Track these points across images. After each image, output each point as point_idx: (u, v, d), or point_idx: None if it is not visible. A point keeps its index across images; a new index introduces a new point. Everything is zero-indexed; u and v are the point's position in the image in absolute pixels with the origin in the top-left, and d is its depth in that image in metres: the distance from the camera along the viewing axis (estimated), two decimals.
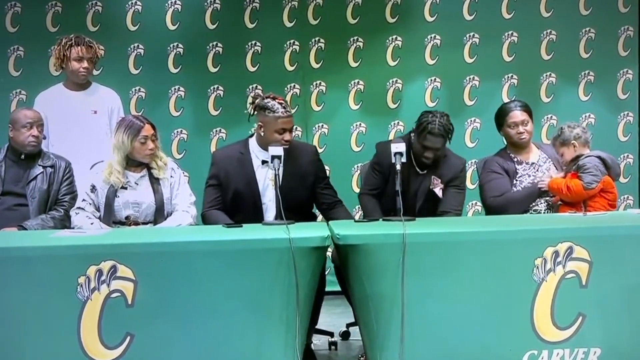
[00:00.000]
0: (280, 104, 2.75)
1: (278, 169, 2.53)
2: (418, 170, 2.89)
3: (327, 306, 2.77)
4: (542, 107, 4.06)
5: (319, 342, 2.81)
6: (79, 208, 2.72)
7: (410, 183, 2.86)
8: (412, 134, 2.89)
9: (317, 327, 2.85)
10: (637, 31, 4.10)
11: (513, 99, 3.57)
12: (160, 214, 2.71)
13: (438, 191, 2.85)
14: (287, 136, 2.74)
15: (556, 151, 2.95)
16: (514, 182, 2.97)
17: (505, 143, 3.11)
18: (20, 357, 2.15)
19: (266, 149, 2.70)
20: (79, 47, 3.15)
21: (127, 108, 3.66)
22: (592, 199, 2.84)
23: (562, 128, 2.92)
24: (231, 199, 2.79)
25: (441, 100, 4.07)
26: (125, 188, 2.71)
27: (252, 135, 2.88)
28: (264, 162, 2.76)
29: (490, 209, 2.97)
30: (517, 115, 2.97)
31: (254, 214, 2.73)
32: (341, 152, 4.01)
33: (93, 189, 2.72)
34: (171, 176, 2.77)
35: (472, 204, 3.38)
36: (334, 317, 3.10)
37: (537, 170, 3.00)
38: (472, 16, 4.08)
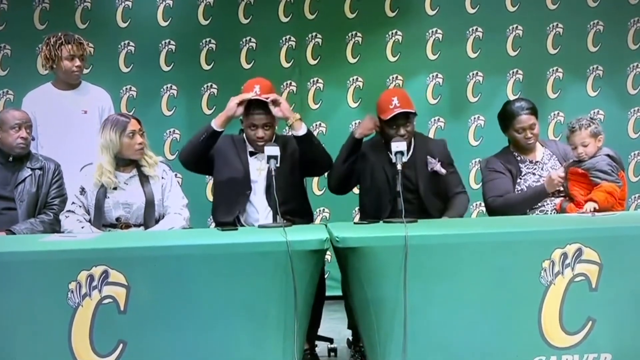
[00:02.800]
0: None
1: (275, 169, 2.50)
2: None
3: (326, 311, 2.73)
4: (548, 103, 3.98)
5: (317, 349, 2.75)
6: (68, 211, 2.67)
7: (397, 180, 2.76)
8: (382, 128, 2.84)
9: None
10: None
11: (518, 97, 3.49)
12: (150, 212, 2.65)
13: (439, 168, 2.81)
14: (259, 133, 2.74)
15: (576, 141, 2.78)
16: (518, 180, 2.91)
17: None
18: None
19: (252, 144, 2.78)
20: (70, 45, 3.06)
21: (118, 107, 3.61)
22: None
23: (592, 119, 2.82)
24: (221, 177, 2.78)
25: (443, 97, 4.01)
26: (115, 189, 2.66)
27: None
28: (251, 153, 2.79)
29: (491, 209, 2.91)
30: (524, 120, 2.88)
31: (242, 197, 2.72)
32: None
33: (82, 191, 2.67)
34: (162, 177, 2.73)
35: (477, 204, 3.32)
36: (333, 322, 3.06)
37: (542, 169, 2.94)
38: (474, 9, 4.00)
